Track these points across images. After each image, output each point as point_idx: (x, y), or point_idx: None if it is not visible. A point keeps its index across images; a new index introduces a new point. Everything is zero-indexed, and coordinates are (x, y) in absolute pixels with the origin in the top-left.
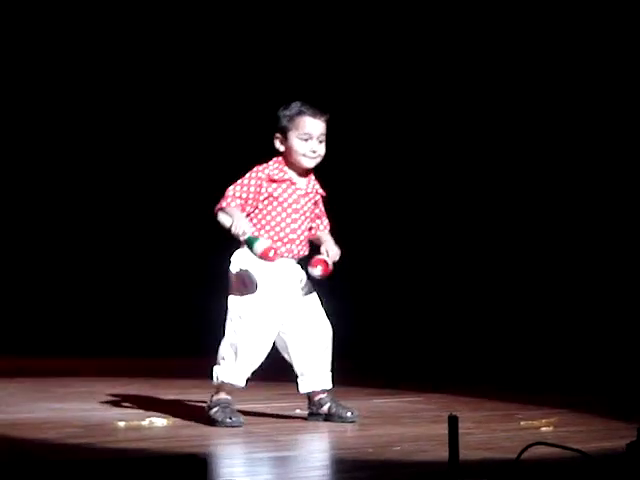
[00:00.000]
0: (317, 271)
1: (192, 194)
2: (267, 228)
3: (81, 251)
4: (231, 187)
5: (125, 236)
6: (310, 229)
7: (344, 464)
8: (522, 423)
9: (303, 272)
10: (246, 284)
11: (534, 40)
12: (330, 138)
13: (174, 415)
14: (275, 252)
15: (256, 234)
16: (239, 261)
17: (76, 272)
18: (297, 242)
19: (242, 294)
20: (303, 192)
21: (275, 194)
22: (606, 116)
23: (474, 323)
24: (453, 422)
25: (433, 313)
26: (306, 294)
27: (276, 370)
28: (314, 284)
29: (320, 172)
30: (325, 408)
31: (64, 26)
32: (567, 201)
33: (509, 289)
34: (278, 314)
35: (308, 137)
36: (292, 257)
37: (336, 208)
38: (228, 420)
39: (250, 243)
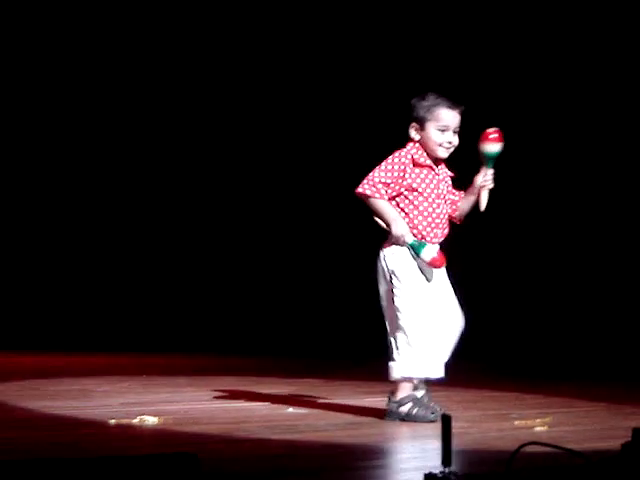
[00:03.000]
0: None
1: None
2: (414, 214)
3: (75, 248)
4: (375, 171)
5: (119, 233)
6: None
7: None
8: (516, 423)
9: None
10: (409, 278)
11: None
12: None
13: (165, 413)
14: (442, 257)
15: (417, 238)
16: (395, 256)
17: (68, 269)
18: (441, 226)
19: (406, 287)
20: (442, 177)
21: (418, 180)
22: (610, 117)
23: (470, 322)
24: (446, 421)
25: None
26: (447, 280)
27: None
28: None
29: None
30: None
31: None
32: (569, 200)
33: (507, 283)
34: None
35: (445, 128)
36: (438, 242)
37: None
38: (431, 415)
39: (415, 249)
